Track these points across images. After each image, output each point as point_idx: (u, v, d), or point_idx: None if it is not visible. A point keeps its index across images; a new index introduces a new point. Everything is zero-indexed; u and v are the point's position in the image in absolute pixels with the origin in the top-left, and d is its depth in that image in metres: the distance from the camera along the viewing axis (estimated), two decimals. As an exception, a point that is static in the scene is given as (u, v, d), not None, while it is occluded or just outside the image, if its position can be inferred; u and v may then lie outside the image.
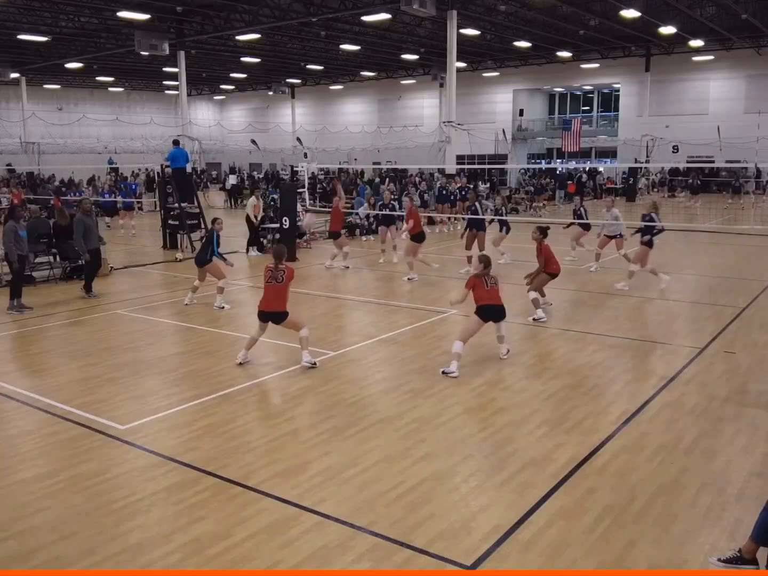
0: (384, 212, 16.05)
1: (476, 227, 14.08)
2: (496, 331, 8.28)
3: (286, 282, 7.87)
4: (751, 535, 4.08)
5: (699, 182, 31.71)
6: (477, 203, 14.60)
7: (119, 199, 23.49)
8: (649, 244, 12.17)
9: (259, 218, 17.51)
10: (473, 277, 8.20)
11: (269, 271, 7.95)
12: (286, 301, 7.92)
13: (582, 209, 15.06)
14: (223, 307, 11.11)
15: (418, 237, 13.56)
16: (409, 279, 13.29)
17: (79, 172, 35.77)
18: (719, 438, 6.01)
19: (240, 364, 8.08)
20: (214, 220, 11.48)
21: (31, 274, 13.19)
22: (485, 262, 8.10)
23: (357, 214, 20.94)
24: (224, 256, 11.44)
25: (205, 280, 11.41)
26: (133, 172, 37.39)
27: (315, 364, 7.95)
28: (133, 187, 26.52)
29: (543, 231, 10.28)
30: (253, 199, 17.84)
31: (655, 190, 35.73)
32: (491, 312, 7.97)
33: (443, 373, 7.68)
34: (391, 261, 14.83)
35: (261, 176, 41.74)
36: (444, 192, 22.60)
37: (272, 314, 7.91)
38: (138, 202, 26.16)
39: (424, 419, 6.42)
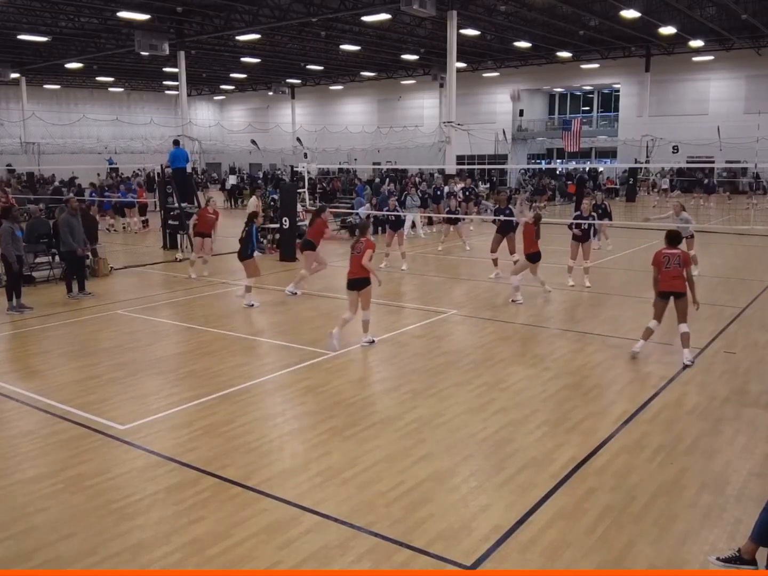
0: (393, 214, 15.57)
1: (509, 230, 13.69)
2: (532, 273, 11.13)
3: (363, 252, 8.52)
4: (751, 536, 4.08)
5: (714, 182, 31.61)
6: (511, 206, 14.30)
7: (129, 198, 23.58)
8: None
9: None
10: (530, 224, 10.95)
11: (352, 245, 8.78)
12: (364, 271, 8.58)
13: (605, 204, 14.77)
14: (252, 305, 11.12)
15: (311, 245, 12.02)
16: (293, 293, 12.02)
17: (79, 172, 35.76)
18: (719, 438, 6.01)
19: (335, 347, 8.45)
20: (253, 215, 11.61)
21: (31, 274, 13.19)
22: (537, 217, 11.06)
23: (357, 214, 20.95)
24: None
25: (258, 274, 11.44)
26: (134, 172, 37.40)
27: (373, 341, 8.83)
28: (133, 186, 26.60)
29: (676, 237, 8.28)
30: (254, 199, 17.88)
31: (655, 190, 35.62)
32: (537, 256, 10.95)
33: (512, 301, 10.92)
34: (400, 268, 14.61)
35: (260, 176, 41.68)
36: (438, 192, 22.66)
37: (351, 281, 8.64)
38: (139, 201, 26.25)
39: (424, 419, 6.42)
